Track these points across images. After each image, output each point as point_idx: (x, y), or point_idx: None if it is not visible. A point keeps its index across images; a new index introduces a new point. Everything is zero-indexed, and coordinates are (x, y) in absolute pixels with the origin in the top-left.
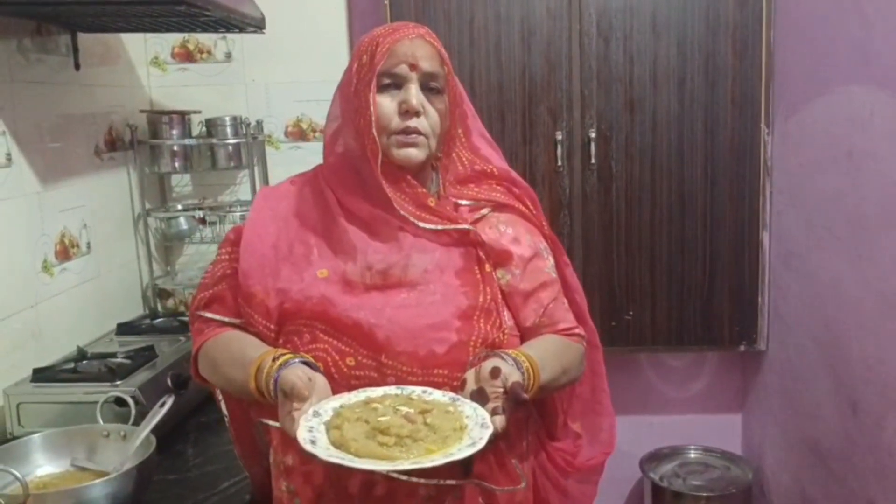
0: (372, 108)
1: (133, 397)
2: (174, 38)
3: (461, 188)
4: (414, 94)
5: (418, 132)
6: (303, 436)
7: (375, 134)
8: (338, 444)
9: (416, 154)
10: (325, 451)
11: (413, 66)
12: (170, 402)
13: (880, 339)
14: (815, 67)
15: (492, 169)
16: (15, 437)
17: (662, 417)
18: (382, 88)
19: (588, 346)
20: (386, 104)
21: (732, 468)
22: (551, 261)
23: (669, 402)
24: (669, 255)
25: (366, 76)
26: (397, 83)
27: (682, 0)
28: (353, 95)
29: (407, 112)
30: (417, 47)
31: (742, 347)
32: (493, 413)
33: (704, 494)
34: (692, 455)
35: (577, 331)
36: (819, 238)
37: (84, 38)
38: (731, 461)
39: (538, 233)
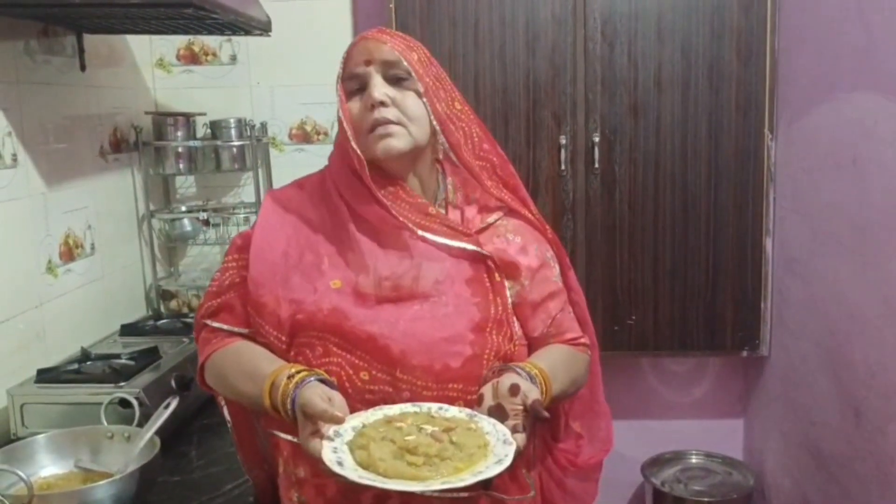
0: (346, 122)
1: (137, 398)
2: (179, 41)
3: (469, 188)
4: (375, 85)
5: (389, 122)
6: (328, 457)
7: (354, 145)
8: (365, 465)
9: (395, 144)
10: (353, 472)
11: (368, 62)
12: (174, 403)
13: (883, 345)
14: (820, 74)
15: (497, 159)
16: (19, 438)
17: (664, 422)
18: (352, 94)
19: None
20: (356, 107)
21: (734, 473)
22: (557, 269)
23: (671, 406)
24: (672, 259)
25: (338, 89)
26: (362, 84)
27: (686, 6)
28: (338, 111)
29: (373, 106)
30: (370, 44)
31: (744, 353)
32: (514, 431)
33: (706, 500)
34: (693, 460)
35: (582, 340)
36: (822, 244)
37: (90, 40)
38: (733, 466)
39: (544, 240)
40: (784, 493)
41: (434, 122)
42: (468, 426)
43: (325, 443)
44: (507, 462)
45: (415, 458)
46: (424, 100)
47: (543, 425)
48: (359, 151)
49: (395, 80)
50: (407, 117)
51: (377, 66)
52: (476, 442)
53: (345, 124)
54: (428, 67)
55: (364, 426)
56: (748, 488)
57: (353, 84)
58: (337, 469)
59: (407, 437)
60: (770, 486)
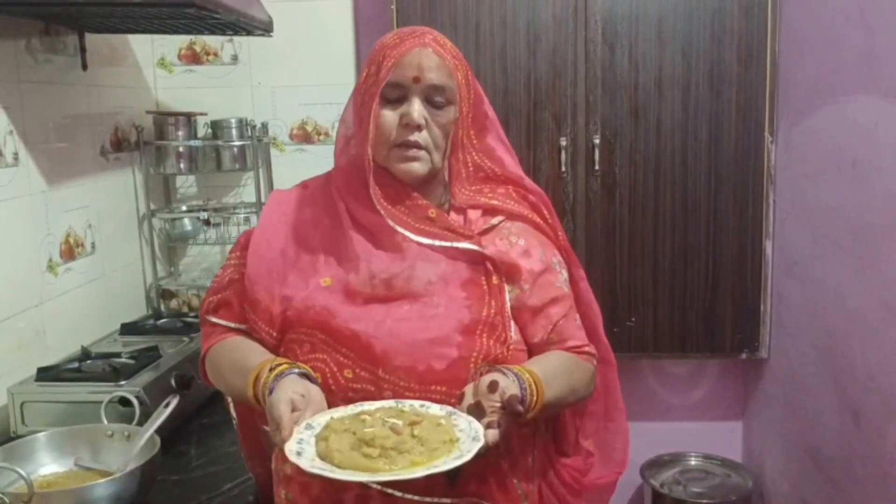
0: (372, 125)
1: (137, 397)
2: (181, 40)
3: (474, 193)
4: (416, 108)
5: (419, 146)
6: (291, 447)
7: (370, 152)
8: (323, 456)
9: (417, 168)
10: (308, 461)
11: (417, 79)
12: (174, 402)
13: (883, 348)
14: (820, 77)
15: (503, 173)
16: (19, 436)
17: (663, 424)
18: (387, 100)
19: (602, 363)
20: (388, 116)
21: (733, 476)
22: (564, 274)
23: (670, 408)
24: (672, 261)
25: (371, 89)
26: (402, 95)
27: (687, 8)
28: (360, 106)
29: (408, 125)
30: (423, 58)
31: (744, 355)
32: (488, 427)
33: (705, 502)
34: (693, 462)
35: (587, 349)
36: (822, 247)
37: (91, 39)
38: (732, 469)
39: (551, 245)
40: (783, 495)
41: (448, 147)
42: (438, 422)
43: (295, 433)
44: (468, 457)
45: (370, 450)
46: (450, 129)
47: (548, 438)
48: (371, 158)
49: (433, 102)
50: (433, 144)
51: (423, 87)
52: (442, 437)
53: (370, 126)
54: (467, 90)
55: (332, 419)
56: (747, 490)
57: (391, 91)
58: (294, 458)
59: (366, 430)
60: (769, 489)
